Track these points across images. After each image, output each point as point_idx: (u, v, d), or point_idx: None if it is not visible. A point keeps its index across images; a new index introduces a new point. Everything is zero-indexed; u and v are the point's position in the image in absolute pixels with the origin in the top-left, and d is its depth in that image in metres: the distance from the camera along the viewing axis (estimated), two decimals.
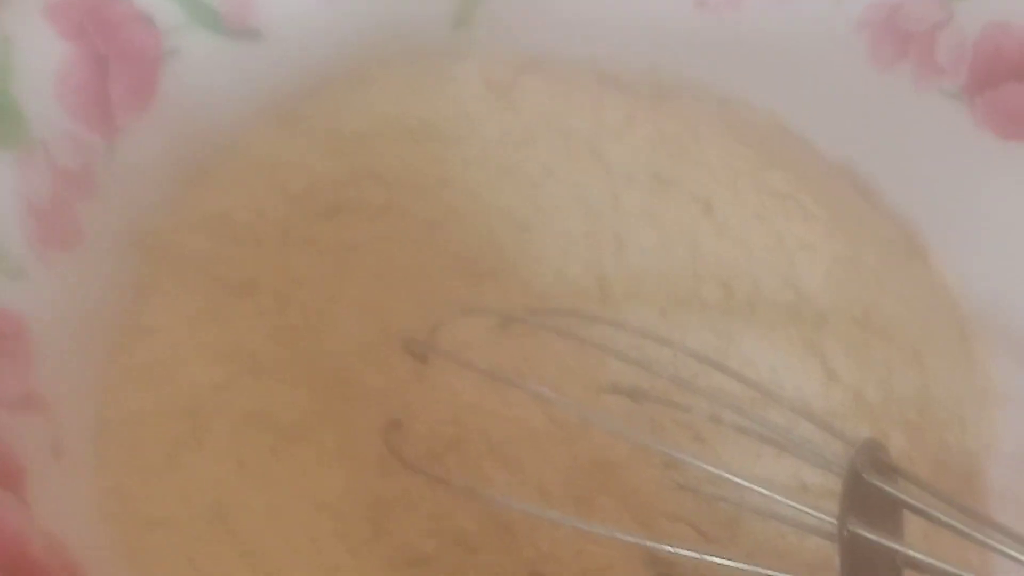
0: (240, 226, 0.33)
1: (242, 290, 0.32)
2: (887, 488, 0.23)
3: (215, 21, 0.33)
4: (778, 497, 0.24)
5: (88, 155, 0.30)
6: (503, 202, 0.35)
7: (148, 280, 0.32)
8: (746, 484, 0.25)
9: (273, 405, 0.31)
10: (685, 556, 0.25)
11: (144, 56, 0.32)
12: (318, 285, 0.33)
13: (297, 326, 0.32)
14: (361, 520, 0.29)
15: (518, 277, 0.34)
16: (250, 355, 0.31)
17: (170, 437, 0.30)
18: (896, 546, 0.23)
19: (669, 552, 0.25)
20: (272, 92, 0.35)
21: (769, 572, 0.24)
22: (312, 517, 0.29)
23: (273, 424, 0.30)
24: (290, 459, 0.30)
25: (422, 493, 0.29)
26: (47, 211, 0.29)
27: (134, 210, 0.32)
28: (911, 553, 0.23)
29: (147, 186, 0.32)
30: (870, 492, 0.23)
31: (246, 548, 0.28)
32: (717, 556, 0.24)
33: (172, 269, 0.32)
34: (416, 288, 0.34)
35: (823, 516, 0.24)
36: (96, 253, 0.30)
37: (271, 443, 0.30)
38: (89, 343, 0.30)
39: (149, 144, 0.32)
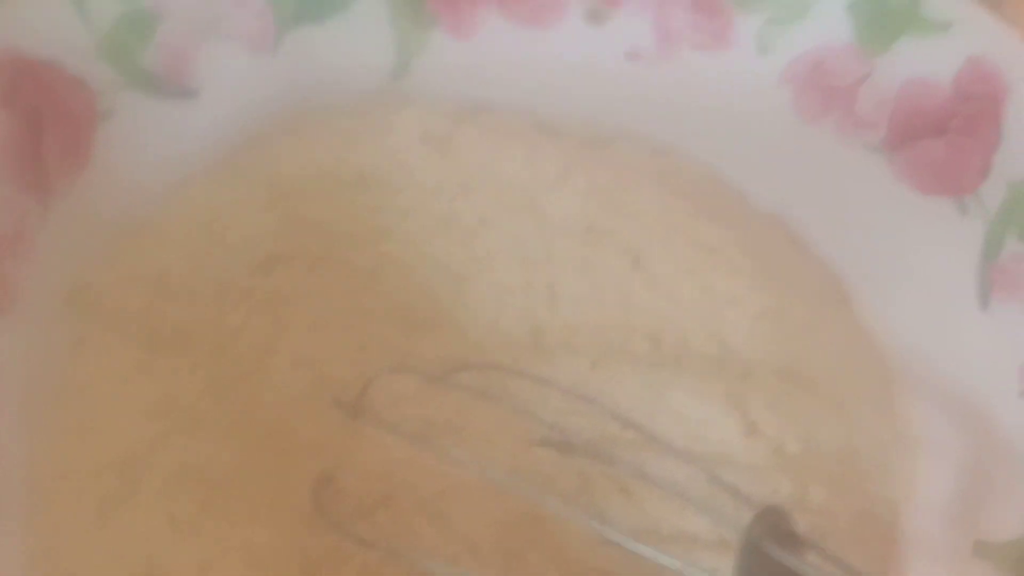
0: (176, 281, 0.34)
1: (177, 345, 0.33)
2: (781, 558, 0.24)
3: (150, 83, 0.34)
4: (663, 558, 0.25)
5: (22, 218, 0.31)
6: (439, 252, 0.36)
7: (83, 337, 0.32)
8: (629, 545, 0.25)
9: (205, 459, 0.31)
10: None
11: (78, 119, 0.32)
12: (253, 338, 0.33)
13: (231, 380, 0.33)
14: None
15: (454, 327, 0.35)
16: (183, 410, 0.32)
17: (101, 494, 0.30)
18: None
19: None
20: (209, 147, 0.36)
21: None
22: (242, 573, 0.30)
23: (205, 479, 0.31)
24: (221, 514, 0.31)
25: (352, 550, 0.30)
26: None
27: (69, 269, 0.32)
28: None
29: (82, 245, 0.33)
30: (766, 561, 0.24)
31: None
32: None
33: (107, 325, 0.33)
34: (352, 339, 0.34)
35: None
36: (30, 314, 0.31)
37: (203, 498, 0.31)
38: (23, 403, 0.30)
39: (84, 204, 0.33)
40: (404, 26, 0.38)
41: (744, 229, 0.37)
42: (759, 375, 0.33)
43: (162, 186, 0.35)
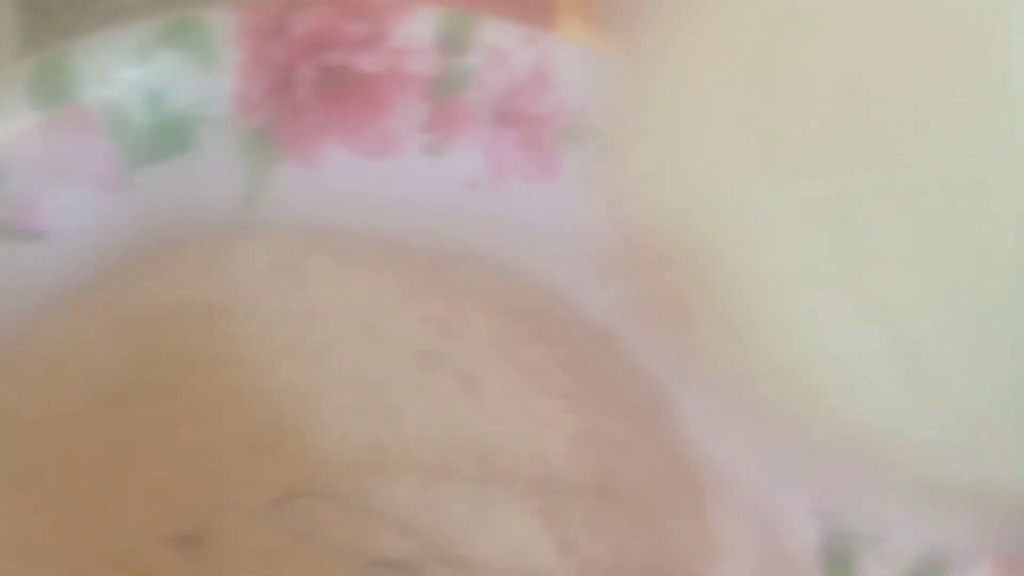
0: (27, 420, 0.35)
1: (27, 483, 0.35)
2: None
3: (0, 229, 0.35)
4: None
5: None
6: (286, 377, 0.38)
7: None
8: None
9: None
10: None
11: None
12: (104, 472, 0.35)
13: (81, 515, 0.35)
14: None
15: (300, 450, 0.37)
16: (36, 548, 0.34)
17: None
18: None
19: None
20: (62, 285, 0.38)
21: None
22: None
23: None
24: None
25: None
26: None
27: None
28: None
29: None
30: None
31: None
32: None
33: None
34: (201, 467, 0.36)
35: None
36: None
37: None
38: None
39: None
40: (253, 160, 0.40)
41: (572, 347, 0.40)
42: (575, 494, 0.36)
43: (11, 327, 0.36)
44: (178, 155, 0.39)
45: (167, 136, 0.38)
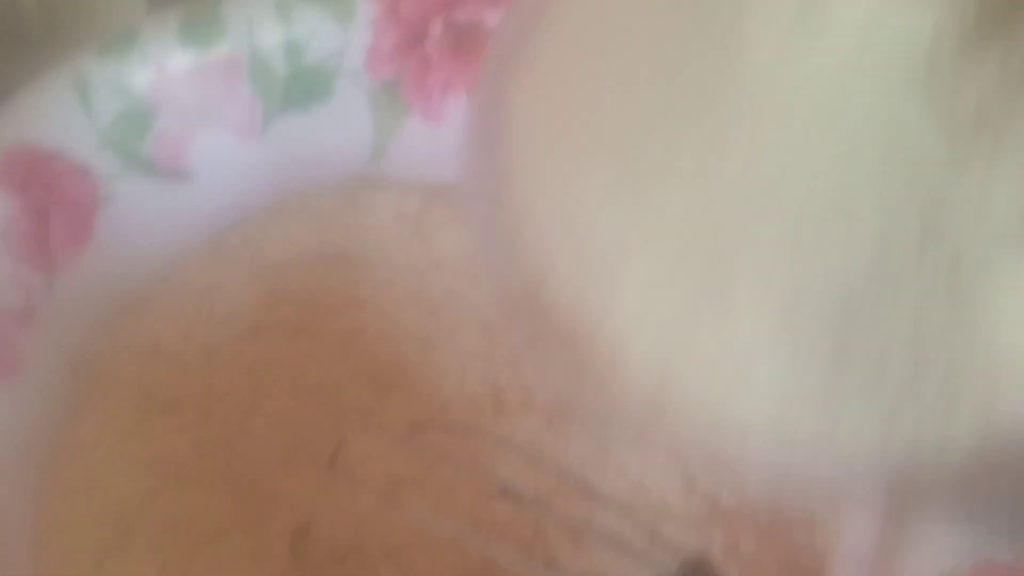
0: (168, 350, 0.37)
1: (168, 408, 0.36)
2: None
3: (148, 168, 0.37)
4: None
5: (29, 293, 0.34)
6: (409, 321, 0.39)
7: (82, 401, 0.35)
8: None
9: (194, 512, 0.34)
10: None
11: (82, 204, 0.36)
12: (237, 401, 0.37)
13: (217, 439, 0.36)
14: None
15: (421, 390, 0.38)
16: (174, 467, 0.35)
17: (98, 545, 0.33)
18: None
19: None
20: (201, 226, 0.39)
21: None
22: None
23: (193, 529, 0.34)
24: (208, 562, 0.34)
25: None
26: None
27: (71, 339, 0.36)
28: None
29: (83, 318, 0.36)
30: None
31: None
32: None
33: (105, 391, 0.36)
34: (328, 400, 0.37)
35: None
36: (34, 379, 0.34)
37: (190, 547, 0.34)
38: (27, 460, 0.34)
39: (86, 281, 0.36)
40: (381, 113, 0.41)
41: None
42: None
43: (158, 263, 0.38)
44: (313, 105, 0.41)
45: (303, 86, 0.40)
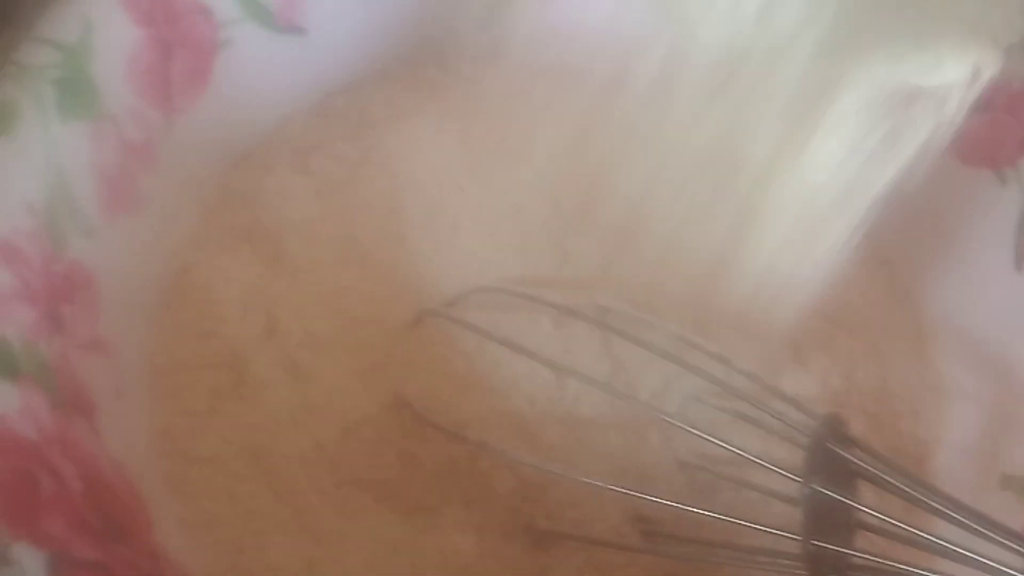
0: (272, 203, 0.37)
1: (273, 256, 0.36)
2: (846, 455, 0.27)
3: (266, 16, 0.37)
4: (754, 458, 0.28)
5: (150, 130, 0.34)
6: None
7: (197, 242, 0.35)
8: (733, 450, 0.29)
9: (308, 361, 0.34)
10: (670, 506, 0.29)
11: (202, 45, 0.35)
12: (340, 252, 0.36)
13: (322, 285, 0.35)
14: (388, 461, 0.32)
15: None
16: (286, 312, 0.35)
17: (212, 386, 0.33)
18: (853, 503, 0.27)
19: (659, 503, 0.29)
20: (311, 84, 0.39)
21: (739, 521, 0.28)
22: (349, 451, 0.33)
23: (305, 376, 0.34)
24: (317, 407, 0.33)
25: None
26: (115, 178, 0.32)
27: (186, 181, 0.35)
28: (866, 510, 0.27)
29: (198, 162, 0.36)
30: (830, 459, 0.27)
31: (279, 487, 0.32)
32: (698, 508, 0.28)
33: (218, 235, 0.36)
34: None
35: (790, 475, 0.28)
36: (153, 217, 0.34)
37: (303, 398, 0.34)
38: (145, 296, 0.33)
39: (202, 124, 0.35)
40: None
41: None
42: (808, 318, 0.36)
43: (267, 118, 0.38)
44: None
45: None
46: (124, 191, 0.33)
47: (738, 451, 0.29)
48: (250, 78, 0.37)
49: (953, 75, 0.28)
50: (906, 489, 0.27)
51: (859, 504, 0.27)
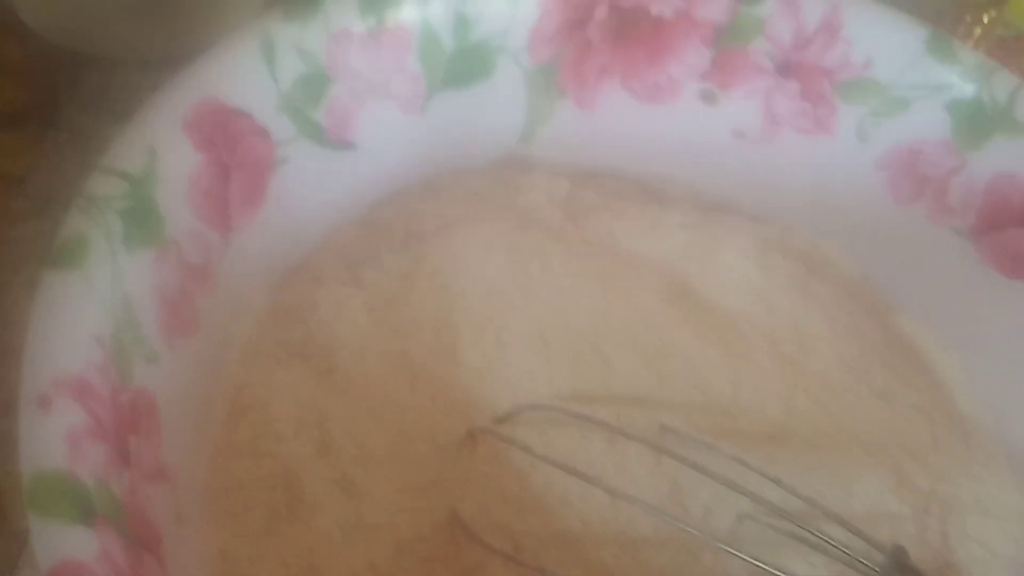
0: (325, 317, 0.37)
1: (326, 371, 0.36)
2: None
3: (319, 134, 0.37)
4: None
5: (208, 251, 0.34)
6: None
7: (251, 360, 0.35)
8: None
9: (362, 478, 0.34)
10: None
11: (259, 165, 0.36)
12: (391, 367, 0.37)
13: (373, 401, 0.36)
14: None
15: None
16: (340, 428, 0.35)
17: (269, 506, 0.33)
18: None
19: None
20: (360, 197, 0.39)
21: None
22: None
23: (358, 494, 0.34)
24: (370, 526, 0.34)
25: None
26: (175, 302, 0.33)
27: (240, 300, 0.36)
28: None
29: (252, 279, 0.36)
30: None
31: None
32: None
33: (271, 351, 0.36)
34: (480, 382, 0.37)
35: None
36: (210, 337, 0.34)
37: (356, 517, 0.34)
38: (202, 417, 0.34)
39: (256, 241, 0.36)
40: (537, 95, 0.41)
41: (830, 298, 0.41)
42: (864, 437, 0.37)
43: (317, 231, 0.38)
44: (473, 84, 0.41)
45: (467, 63, 0.40)
46: (183, 314, 0.33)
47: None
48: (302, 194, 0.37)
49: None
50: None
51: None
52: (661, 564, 0.34)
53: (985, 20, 0.48)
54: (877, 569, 0.28)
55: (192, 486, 0.32)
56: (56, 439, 0.27)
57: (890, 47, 0.40)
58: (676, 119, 0.43)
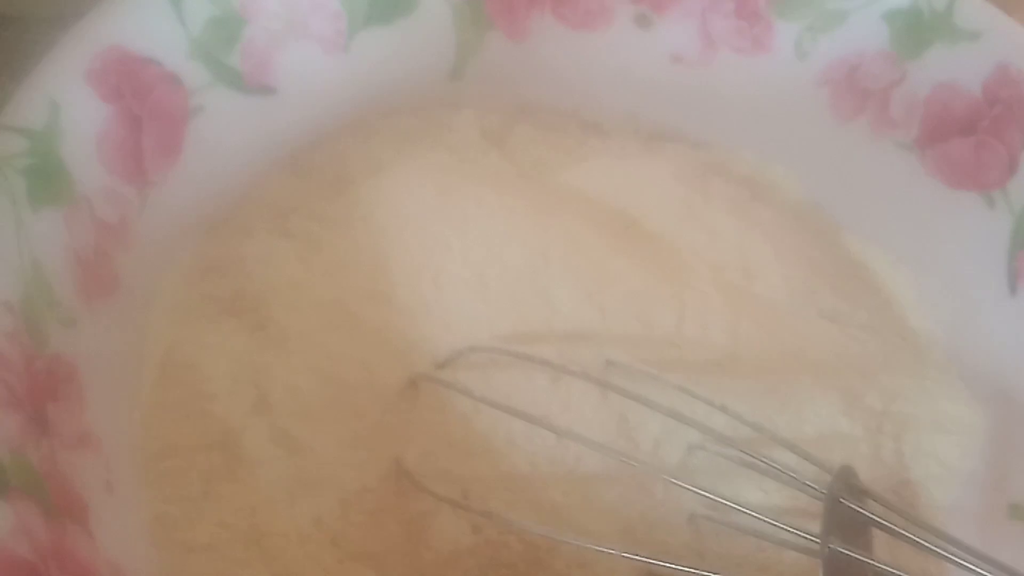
0: (254, 270, 0.36)
1: (259, 326, 0.35)
2: (861, 510, 0.27)
3: (236, 80, 0.36)
4: (769, 520, 0.28)
5: (124, 208, 0.33)
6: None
7: (180, 319, 0.34)
8: (745, 511, 0.28)
9: (302, 433, 0.33)
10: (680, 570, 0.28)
11: (173, 114, 0.34)
12: (326, 318, 0.35)
13: (308, 354, 0.34)
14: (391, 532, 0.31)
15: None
16: (276, 386, 0.34)
17: (206, 469, 0.32)
18: (871, 562, 0.26)
19: (668, 567, 0.29)
20: (284, 144, 0.38)
21: None
22: (345, 528, 0.32)
23: (299, 449, 0.33)
24: (313, 480, 0.33)
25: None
26: (91, 262, 0.31)
27: (164, 257, 0.34)
28: (884, 567, 0.26)
29: (174, 234, 0.35)
30: (845, 513, 0.27)
31: (280, 570, 0.31)
32: (710, 572, 0.28)
33: (200, 309, 0.35)
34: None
35: (807, 535, 0.27)
36: (132, 297, 0.33)
37: (298, 472, 0.33)
38: (128, 382, 0.32)
39: (176, 195, 0.34)
40: (464, 28, 0.40)
41: (778, 222, 0.40)
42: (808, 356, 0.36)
43: (243, 181, 0.37)
44: (397, 19, 0.39)
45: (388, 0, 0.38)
46: (101, 274, 0.32)
47: (743, 509, 0.28)
48: (223, 143, 0.36)
49: None
50: (920, 541, 0.27)
51: (877, 562, 0.27)
52: (612, 499, 0.33)
53: None
54: (824, 491, 0.27)
55: (122, 452, 0.31)
56: None
57: None
58: (610, 46, 0.41)
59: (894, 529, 0.27)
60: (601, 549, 0.30)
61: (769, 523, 0.28)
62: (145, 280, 0.33)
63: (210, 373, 0.33)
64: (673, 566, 0.29)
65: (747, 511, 0.28)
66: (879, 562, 0.27)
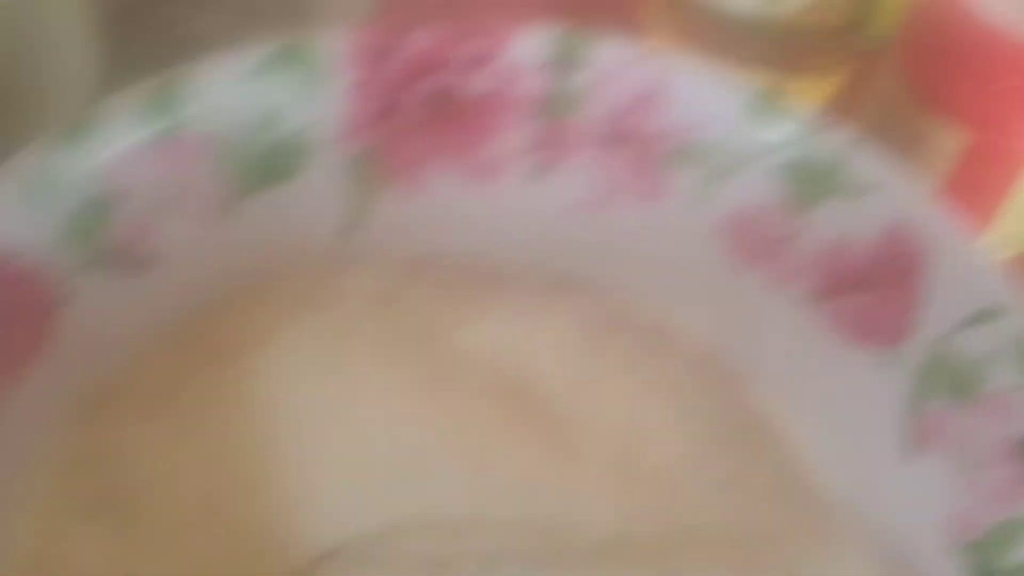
0: (128, 458, 0.35)
1: (129, 523, 0.33)
2: None
3: (109, 259, 0.35)
4: None
5: None
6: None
7: (45, 521, 0.33)
8: None
9: None
10: None
11: (34, 308, 0.33)
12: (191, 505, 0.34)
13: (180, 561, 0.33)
14: None
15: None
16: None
17: None
18: None
19: None
20: (165, 319, 0.37)
21: None
22: None
23: None
24: None
25: None
26: None
27: (28, 453, 0.33)
28: None
29: (42, 429, 0.33)
30: None
31: None
32: None
33: (67, 508, 0.33)
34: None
35: None
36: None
37: None
38: None
39: (44, 388, 0.33)
40: (358, 184, 0.39)
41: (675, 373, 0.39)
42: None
43: (119, 361, 0.36)
44: (286, 181, 0.38)
45: (276, 161, 0.37)
46: None
47: None
48: (95, 327, 0.35)
49: None
50: None
51: None
52: None
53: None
54: None
55: None
56: None
57: (716, 110, 0.38)
58: (507, 196, 0.41)
59: None
60: None
61: None
62: (7, 479, 0.32)
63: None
64: None
65: None
66: None
